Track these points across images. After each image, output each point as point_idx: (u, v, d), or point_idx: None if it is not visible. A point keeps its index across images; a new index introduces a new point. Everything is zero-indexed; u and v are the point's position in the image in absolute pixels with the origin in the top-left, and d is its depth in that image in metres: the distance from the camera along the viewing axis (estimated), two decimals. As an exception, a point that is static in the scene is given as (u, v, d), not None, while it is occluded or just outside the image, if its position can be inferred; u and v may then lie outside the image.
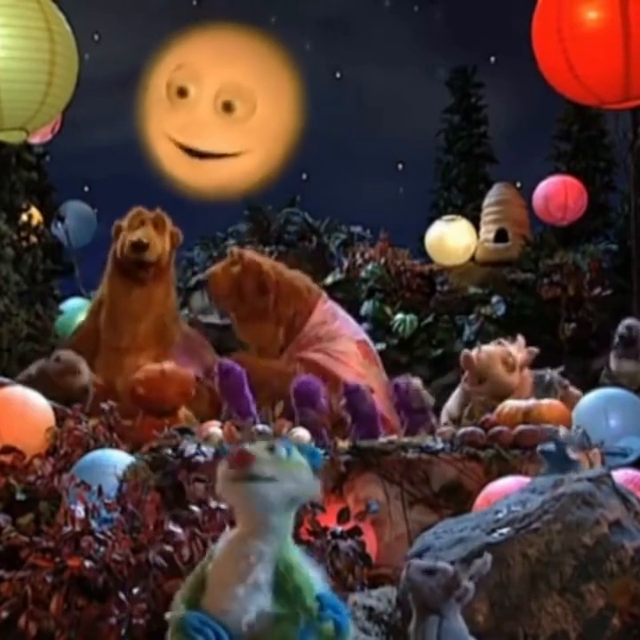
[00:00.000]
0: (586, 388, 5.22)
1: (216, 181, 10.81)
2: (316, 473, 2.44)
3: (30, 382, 4.78)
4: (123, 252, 6.07)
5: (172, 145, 10.92)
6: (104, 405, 4.64)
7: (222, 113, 10.79)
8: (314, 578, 2.39)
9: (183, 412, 5.17)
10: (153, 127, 10.90)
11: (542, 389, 5.40)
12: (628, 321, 6.05)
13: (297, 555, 2.41)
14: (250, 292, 6.21)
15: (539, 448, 3.94)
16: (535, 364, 5.59)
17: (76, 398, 4.84)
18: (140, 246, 6.00)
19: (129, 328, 6.02)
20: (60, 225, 8.40)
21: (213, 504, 3.27)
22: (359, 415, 4.93)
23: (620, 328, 6.02)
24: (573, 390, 5.43)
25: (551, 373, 5.54)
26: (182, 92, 10.80)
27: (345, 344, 6.14)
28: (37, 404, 4.28)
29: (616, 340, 6.00)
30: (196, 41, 10.80)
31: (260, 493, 2.33)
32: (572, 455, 3.80)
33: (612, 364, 6.03)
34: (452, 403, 5.63)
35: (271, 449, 2.37)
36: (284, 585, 2.34)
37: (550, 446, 3.85)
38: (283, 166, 10.67)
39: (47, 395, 4.44)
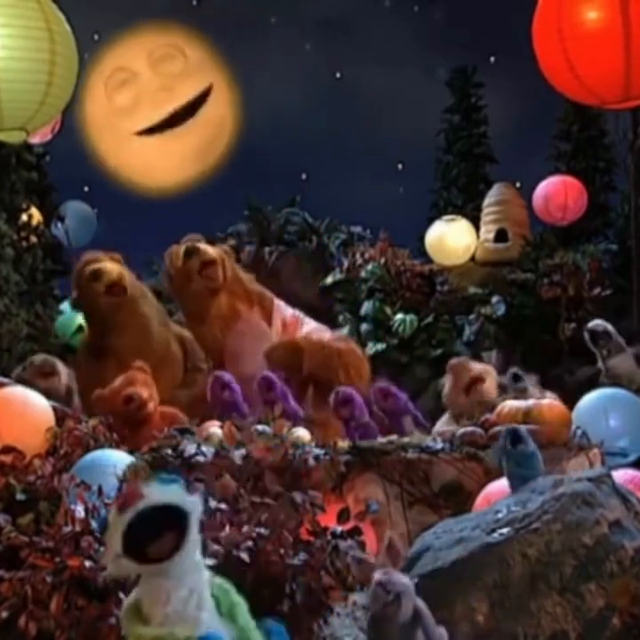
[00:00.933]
0: (585, 389, 5.22)
1: (207, 133, 10.80)
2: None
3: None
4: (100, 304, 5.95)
5: (148, 138, 10.85)
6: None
7: (165, 68, 10.81)
8: (237, 594, 2.42)
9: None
10: (117, 138, 10.87)
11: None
12: (588, 326, 6.06)
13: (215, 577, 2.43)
14: None
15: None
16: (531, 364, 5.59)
17: (59, 398, 4.83)
18: (113, 287, 5.89)
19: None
20: (59, 225, 8.41)
21: (213, 504, 3.27)
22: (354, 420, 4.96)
23: (587, 338, 6.02)
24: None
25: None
26: (126, 89, 10.80)
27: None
28: (37, 404, 4.28)
29: (592, 347, 5.99)
30: (115, 50, 10.85)
31: None
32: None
33: (604, 367, 6.02)
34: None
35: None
36: (222, 607, 2.38)
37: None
38: (282, 162, 10.66)
39: None
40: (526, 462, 3.51)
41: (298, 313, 6.42)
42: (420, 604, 2.67)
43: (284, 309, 6.39)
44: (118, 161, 10.74)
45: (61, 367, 5.16)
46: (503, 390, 5.28)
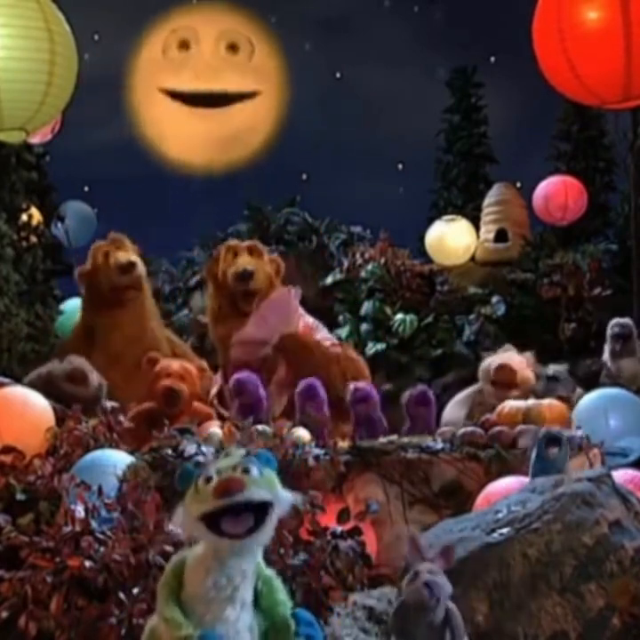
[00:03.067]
0: (585, 389, 5.22)
1: (232, 129, 10.81)
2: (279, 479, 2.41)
3: (38, 383, 4.77)
4: (109, 278, 6.03)
5: (173, 104, 10.87)
6: (105, 404, 4.63)
7: (227, 54, 10.83)
8: (285, 592, 2.42)
9: None
10: (152, 90, 10.88)
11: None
12: (619, 320, 6.11)
13: (269, 570, 2.42)
14: None
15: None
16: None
17: (85, 405, 4.78)
18: (128, 266, 6.00)
19: (118, 357, 5.86)
20: (59, 225, 8.40)
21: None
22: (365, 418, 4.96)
23: (613, 328, 6.08)
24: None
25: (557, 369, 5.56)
26: (184, 45, 10.81)
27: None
28: (37, 404, 4.28)
29: (610, 340, 6.04)
30: (187, 11, 10.92)
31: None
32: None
33: (611, 365, 6.04)
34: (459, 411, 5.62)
35: (246, 470, 2.32)
36: (262, 601, 2.37)
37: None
38: (282, 162, 10.67)
39: (52, 398, 4.42)
40: (555, 467, 3.56)
41: (313, 321, 6.37)
42: (452, 606, 2.67)
43: (304, 314, 6.35)
44: (146, 116, 10.80)
45: (93, 377, 5.08)
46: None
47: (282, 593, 2.40)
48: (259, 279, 6.03)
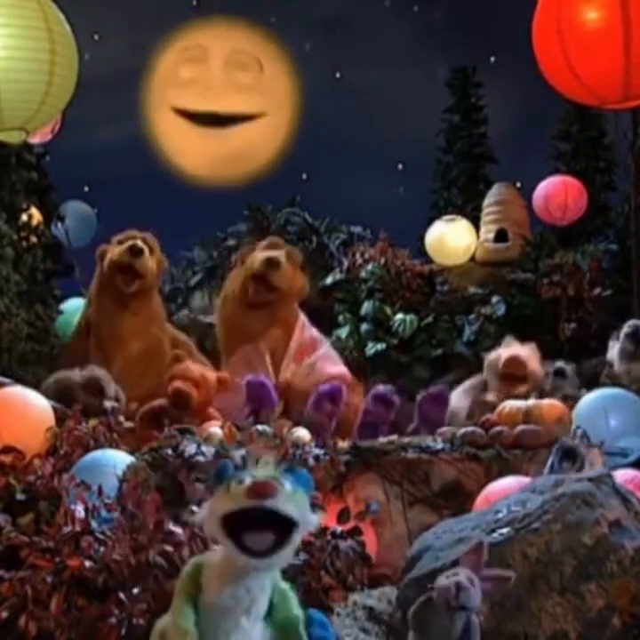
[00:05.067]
0: (585, 388, 5.22)
1: (236, 150, 10.83)
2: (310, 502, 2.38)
3: (55, 388, 4.78)
4: (115, 262, 5.94)
5: (184, 121, 10.90)
6: (106, 405, 4.63)
7: (236, 73, 10.85)
8: (299, 605, 2.40)
9: None
10: (162, 106, 10.93)
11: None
12: (633, 321, 6.03)
13: (284, 582, 2.41)
14: None
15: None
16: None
17: (98, 415, 4.76)
18: (134, 250, 5.90)
19: (118, 353, 5.85)
20: (59, 225, 8.39)
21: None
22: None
23: (630, 327, 5.96)
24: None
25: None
26: (193, 63, 10.84)
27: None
28: (37, 404, 4.28)
29: (624, 340, 5.95)
30: (198, 27, 10.90)
31: None
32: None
33: (619, 365, 5.97)
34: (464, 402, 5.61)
35: (281, 483, 2.29)
36: (276, 614, 2.36)
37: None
38: (282, 162, 10.67)
39: (66, 405, 4.43)
40: None
41: (316, 334, 6.32)
42: (475, 619, 2.66)
43: (305, 330, 6.25)
44: (158, 131, 10.84)
45: (110, 389, 5.06)
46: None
47: (296, 607, 2.38)
48: (282, 277, 5.95)
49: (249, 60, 10.87)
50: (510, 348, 5.57)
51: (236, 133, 10.89)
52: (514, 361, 5.43)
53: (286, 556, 2.31)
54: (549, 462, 3.88)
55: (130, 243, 5.96)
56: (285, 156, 10.66)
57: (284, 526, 2.26)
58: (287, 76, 10.89)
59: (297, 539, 2.30)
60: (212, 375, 5.18)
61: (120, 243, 6.05)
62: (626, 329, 5.99)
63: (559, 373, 5.43)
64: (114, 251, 6.01)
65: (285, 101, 10.89)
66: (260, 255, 6.01)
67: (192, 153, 10.88)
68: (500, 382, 5.49)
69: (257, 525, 2.25)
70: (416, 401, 5.25)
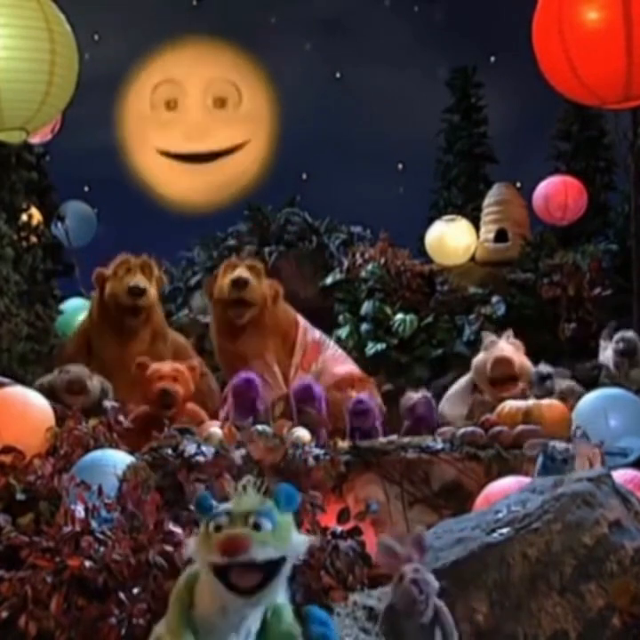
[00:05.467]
0: (586, 388, 5.21)
1: (223, 178, 10.85)
2: (295, 518, 2.33)
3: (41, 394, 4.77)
4: (117, 300, 5.84)
5: (165, 160, 10.94)
6: (106, 404, 4.63)
7: (215, 109, 10.86)
8: (294, 620, 2.35)
9: None
10: (144, 146, 10.95)
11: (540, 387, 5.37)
12: (623, 334, 6.01)
13: (282, 598, 2.36)
14: None
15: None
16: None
17: (86, 414, 4.77)
18: (136, 291, 5.81)
19: (122, 376, 5.52)
20: (59, 225, 8.39)
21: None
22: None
23: (618, 344, 5.94)
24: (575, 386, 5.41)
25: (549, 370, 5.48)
26: (171, 105, 10.85)
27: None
28: (37, 404, 4.28)
29: (614, 355, 5.96)
30: (174, 54, 10.88)
31: None
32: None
33: (615, 372, 5.98)
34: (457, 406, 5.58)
35: (256, 526, 2.22)
36: (269, 631, 2.32)
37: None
38: (282, 162, 10.68)
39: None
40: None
41: (320, 336, 6.30)
42: (440, 603, 2.67)
43: (308, 334, 6.23)
44: (140, 164, 10.84)
45: (92, 385, 5.05)
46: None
47: (290, 624, 2.34)
48: (253, 291, 5.94)
49: (226, 88, 10.88)
50: (494, 350, 5.48)
51: (220, 166, 10.94)
52: (501, 363, 5.36)
53: (276, 589, 2.28)
54: (539, 463, 3.87)
55: (131, 284, 5.82)
56: (280, 144, 10.69)
57: (269, 565, 2.23)
58: (266, 95, 10.93)
59: (285, 570, 2.26)
60: (182, 367, 5.17)
61: (117, 271, 5.92)
62: (614, 345, 5.95)
63: (542, 379, 5.35)
64: (113, 285, 5.90)
65: (267, 124, 10.93)
66: (224, 281, 5.99)
67: (176, 189, 10.90)
68: (492, 388, 5.41)
69: (242, 567, 2.22)
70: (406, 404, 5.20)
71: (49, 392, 4.83)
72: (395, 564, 2.67)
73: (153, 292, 5.97)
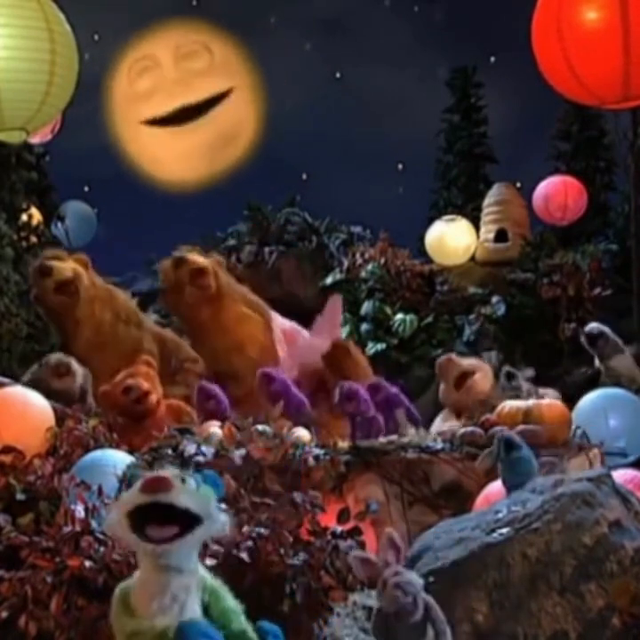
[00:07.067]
0: (584, 389, 5.21)
1: (217, 133, 10.86)
2: (220, 502, 2.37)
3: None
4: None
5: (157, 130, 10.93)
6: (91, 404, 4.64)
7: (187, 63, 10.92)
8: (235, 600, 2.39)
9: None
10: (131, 123, 10.96)
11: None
12: (586, 329, 6.17)
13: (213, 578, 2.40)
14: None
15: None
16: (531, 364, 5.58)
17: (73, 399, 4.81)
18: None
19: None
20: (59, 225, 8.40)
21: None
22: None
23: (583, 339, 6.14)
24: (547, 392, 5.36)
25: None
26: (147, 72, 10.90)
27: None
28: (37, 404, 4.28)
29: (590, 349, 6.03)
30: (145, 39, 10.96)
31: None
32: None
33: (605, 369, 6.01)
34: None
35: (183, 480, 2.27)
36: (211, 611, 2.35)
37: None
38: (282, 162, 10.68)
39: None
40: (520, 468, 3.55)
41: (291, 324, 6.35)
42: (429, 599, 2.67)
43: (279, 318, 6.32)
44: (131, 148, 10.85)
45: (76, 367, 5.11)
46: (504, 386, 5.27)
47: (230, 601, 2.37)
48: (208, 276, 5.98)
49: (196, 47, 10.98)
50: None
51: (211, 119, 10.94)
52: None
53: (192, 546, 2.30)
54: (494, 452, 3.80)
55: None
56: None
57: (187, 521, 2.26)
58: (239, 52, 10.93)
59: (200, 533, 2.29)
60: (142, 367, 5.10)
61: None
62: (583, 343, 6.05)
63: (509, 377, 5.30)
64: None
65: (248, 74, 10.94)
66: (179, 274, 6.00)
67: (173, 158, 10.91)
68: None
69: (159, 519, 2.24)
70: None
71: (36, 384, 4.85)
72: (374, 573, 2.68)
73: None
